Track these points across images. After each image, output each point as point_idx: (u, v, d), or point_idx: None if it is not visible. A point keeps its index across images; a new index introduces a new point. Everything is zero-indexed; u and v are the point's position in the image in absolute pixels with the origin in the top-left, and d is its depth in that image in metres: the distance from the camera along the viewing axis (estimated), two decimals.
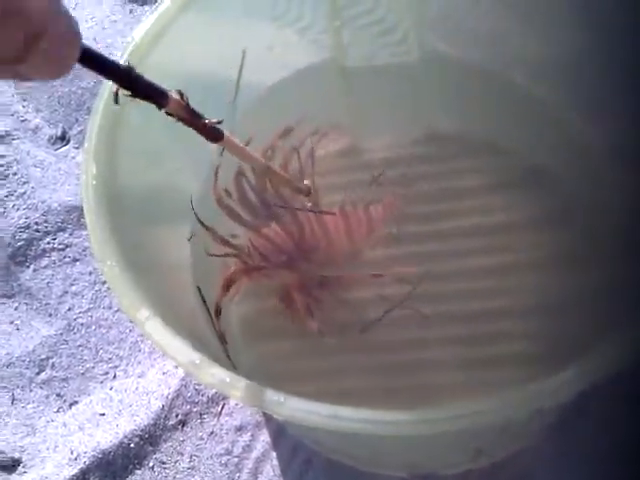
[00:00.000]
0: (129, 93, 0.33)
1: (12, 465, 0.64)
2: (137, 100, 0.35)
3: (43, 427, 0.66)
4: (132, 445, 0.63)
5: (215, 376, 0.40)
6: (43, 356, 0.69)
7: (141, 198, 0.54)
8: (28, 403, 0.67)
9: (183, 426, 0.64)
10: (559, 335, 0.56)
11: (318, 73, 0.68)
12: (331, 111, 0.66)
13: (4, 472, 0.64)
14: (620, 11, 0.56)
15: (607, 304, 0.54)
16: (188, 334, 0.44)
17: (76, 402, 0.67)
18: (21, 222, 0.75)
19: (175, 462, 0.63)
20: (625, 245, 0.56)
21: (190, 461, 0.63)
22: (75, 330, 0.70)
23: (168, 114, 0.38)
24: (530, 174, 0.64)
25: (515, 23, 0.64)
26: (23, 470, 0.64)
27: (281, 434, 0.63)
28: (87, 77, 0.83)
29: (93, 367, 0.69)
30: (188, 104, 0.39)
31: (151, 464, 0.63)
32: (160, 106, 0.36)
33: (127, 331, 0.70)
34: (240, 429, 0.63)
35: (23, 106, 0.84)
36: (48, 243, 0.75)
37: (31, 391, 0.68)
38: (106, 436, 0.63)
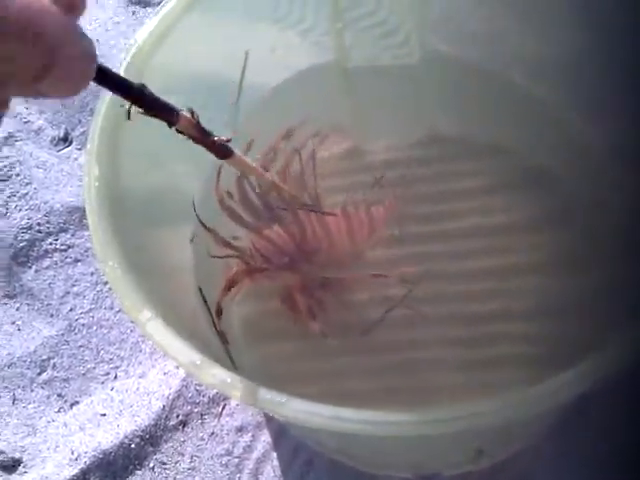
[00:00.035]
0: (141, 110, 0.34)
1: (13, 465, 0.64)
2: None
3: (44, 427, 0.66)
4: (133, 445, 0.63)
5: (216, 377, 0.41)
6: (44, 356, 0.69)
7: (143, 199, 0.54)
8: (29, 403, 0.67)
9: (184, 427, 0.64)
10: (559, 336, 0.56)
11: (320, 75, 0.68)
12: (333, 112, 0.66)
13: (5, 472, 0.64)
14: (620, 11, 0.56)
15: (607, 305, 0.54)
16: (189, 335, 0.44)
17: (77, 402, 0.67)
18: (23, 223, 0.75)
19: (176, 462, 0.63)
20: (625, 245, 0.56)
21: (191, 462, 0.63)
22: (76, 331, 0.70)
23: (178, 131, 0.38)
24: (530, 174, 0.65)
25: (515, 24, 0.64)
26: (24, 470, 0.64)
27: (282, 435, 0.63)
28: None
29: (94, 367, 0.69)
30: (198, 122, 0.39)
31: (152, 464, 0.63)
32: (171, 124, 0.37)
33: (128, 332, 0.70)
34: (241, 430, 0.64)
35: (26, 107, 0.84)
36: (50, 244, 0.75)
37: (32, 391, 0.68)
38: (107, 436, 0.63)
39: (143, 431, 0.64)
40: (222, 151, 0.42)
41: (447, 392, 0.56)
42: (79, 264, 0.74)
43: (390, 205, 0.63)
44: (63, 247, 0.75)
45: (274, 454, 0.62)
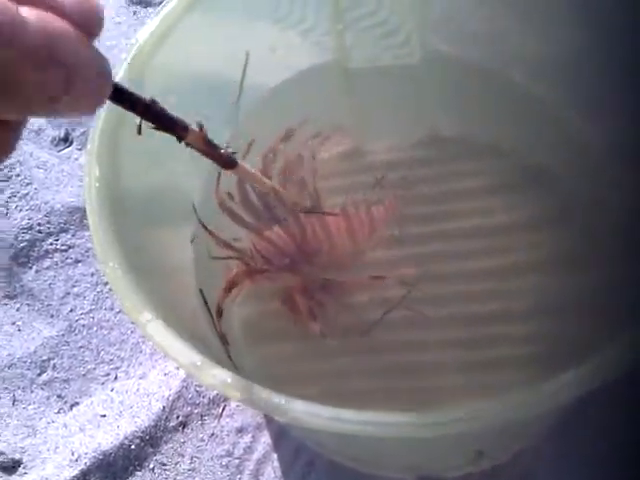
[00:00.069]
0: (152, 125, 0.34)
1: (12, 466, 0.64)
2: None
3: (44, 428, 0.66)
4: (133, 446, 0.63)
5: (216, 378, 0.40)
6: (44, 357, 0.69)
7: (144, 200, 0.54)
8: (29, 404, 0.67)
9: (184, 427, 0.64)
10: (559, 336, 0.56)
11: (321, 75, 0.68)
12: (334, 113, 0.66)
13: (5, 473, 0.64)
14: (619, 10, 0.56)
15: (606, 304, 0.54)
16: (190, 336, 0.44)
17: (77, 403, 0.67)
18: (24, 223, 0.75)
19: (176, 463, 0.63)
20: (624, 244, 0.56)
21: (191, 462, 0.63)
22: (76, 331, 0.70)
23: (187, 144, 0.38)
24: (529, 174, 0.65)
25: (515, 23, 0.64)
26: (24, 471, 0.64)
27: (282, 436, 0.63)
28: None
29: (94, 368, 0.69)
30: (207, 136, 0.39)
31: (152, 465, 0.63)
32: (180, 138, 0.37)
33: (128, 332, 0.70)
34: (241, 431, 0.63)
35: None
36: (50, 244, 0.75)
37: (32, 392, 0.68)
38: (107, 437, 0.63)
39: (143, 432, 0.64)
40: (228, 162, 0.42)
41: (447, 393, 0.56)
42: (79, 265, 0.74)
43: (390, 205, 0.63)
44: (63, 247, 0.75)
45: (274, 455, 0.62)
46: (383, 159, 0.68)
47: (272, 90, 0.67)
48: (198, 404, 0.65)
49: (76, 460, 0.62)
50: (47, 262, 0.74)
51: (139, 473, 0.62)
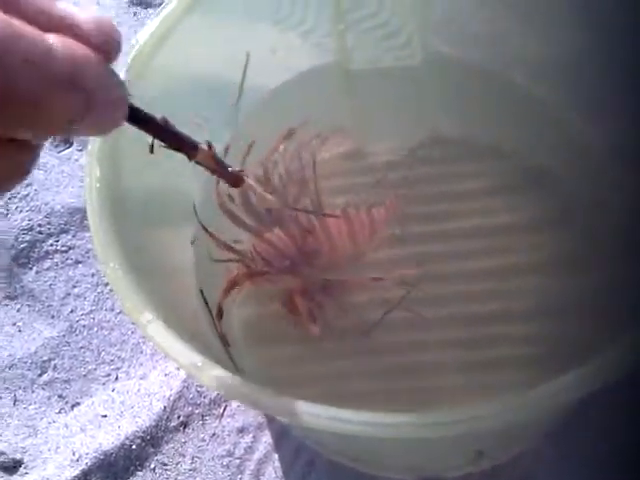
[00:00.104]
0: (164, 144, 0.35)
1: (13, 466, 0.64)
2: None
3: (45, 428, 0.66)
4: (134, 446, 0.63)
5: (217, 378, 0.41)
6: (45, 357, 0.69)
7: (144, 200, 0.54)
8: (30, 404, 0.67)
9: (185, 428, 0.64)
10: (559, 336, 0.56)
11: (321, 76, 0.68)
12: (335, 114, 0.66)
13: (5, 473, 0.64)
14: (620, 11, 0.56)
15: (607, 305, 0.54)
16: (190, 337, 0.44)
17: (78, 403, 0.67)
18: (24, 224, 0.75)
19: (177, 464, 0.63)
20: (625, 245, 0.56)
21: (192, 463, 0.63)
22: (77, 332, 0.70)
23: (197, 163, 0.39)
24: (530, 175, 0.65)
25: (516, 24, 0.64)
26: (24, 471, 0.64)
27: (283, 436, 0.63)
28: None
29: (95, 369, 0.69)
30: (216, 154, 0.40)
31: (152, 465, 0.63)
32: (190, 157, 0.38)
33: (129, 333, 0.70)
34: (242, 431, 0.64)
35: None
36: (51, 245, 0.75)
37: (33, 392, 0.68)
38: (108, 437, 0.63)
39: (144, 432, 0.64)
40: (236, 180, 0.43)
41: (448, 393, 0.56)
42: (80, 265, 0.74)
43: (391, 206, 0.63)
44: (64, 248, 0.75)
45: (275, 455, 0.62)
46: (384, 160, 0.68)
47: (272, 91, 0.67)
48: (199, 404, 0.65)
49: (77, 460, 0.62)
50: (47, 263, 0.74)
51: (140, 473, 0.62)
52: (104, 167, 0.50)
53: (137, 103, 0.33)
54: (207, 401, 0.65)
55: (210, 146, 0.40)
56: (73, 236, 0.75)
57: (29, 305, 0.72)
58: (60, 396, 0.67)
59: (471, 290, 0.60)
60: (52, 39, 0.25)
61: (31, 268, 0.74)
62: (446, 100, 0.67)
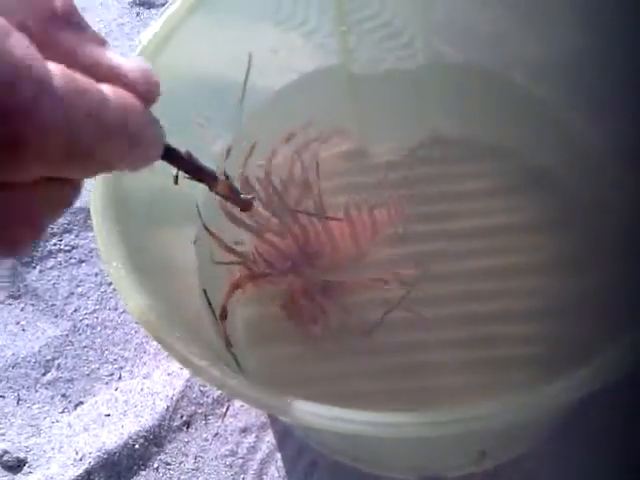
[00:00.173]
0: (187, 176, 0.37)
1: (17, 465, 0.64)
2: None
3: (48, 427, 0.66)
4: (137, 446, 0.63)
5: (220, 378, 0.41)
6: (49, 357, 0.69)
7: (147, 200, 0.54)
8: (33, 403, 0.67)
9: (188, 427, 0.64)
10: (560, 338, 0.57)
11: (324, 77, 0.68)
12: (337, 114, 0.66)
13: (9, 472, 0.64)
14: (620, 11, 0.56)
15: (607, 305, 0.54)
16: (193, 336, 0.44)
17: (81, 403, 0.67)
18: None
19: (180, 463, 0.63)
20: (625, 245, 0.56)
21: (195, 462, 0.63)
22: (81, 331, 0.71)
23: (215, 192, 0.42)
24: (531, 175, 0.65)
25: (516, 25, 0.64)
26: (28, 470, 0.64)
27: (286, 436, 0.63)
28: None
29: (98, 368, 0.69)
30: (233, 184, 0.43)
31: (156, 465, 0.63)
32: (211, 187, 0.40)
33: (132, 332, 0.70)
34: (245, 430, 0.64)
35: None
36: (54, 244, 0.75)
37: (36, 392, 0.68)
38: (111, 437, 0.63)
39: (147, 431, 0.64)
40: (247, 206, 0.46)
41: (448, 393, 0.56)
42: (83, 265, 0.74)
43: (393, 207, 0.62)
44: (67, 248, 0.75)
45: (278, 455, 0.62)
46: (385, 160, 0.68)
47: (275, 93, 0.67)
48: (202, 404, 0.65)
49: (80, 459, 0.62)
50: (51, 262, 0.74)
51: (143, 472, 0.63)
52: None
53: None
54: (210, 401, 0.65)
55: (227, 177, 0.43)
56: (76, 235, 0.76)
57: (33, 304, 0.72)
58: (63, 395, 0.68)
59: (471, 290, 0.60)
60: (106, 90, 0.26)
61: (35, 267, 0.74)
62: (447, 100, 0.67)
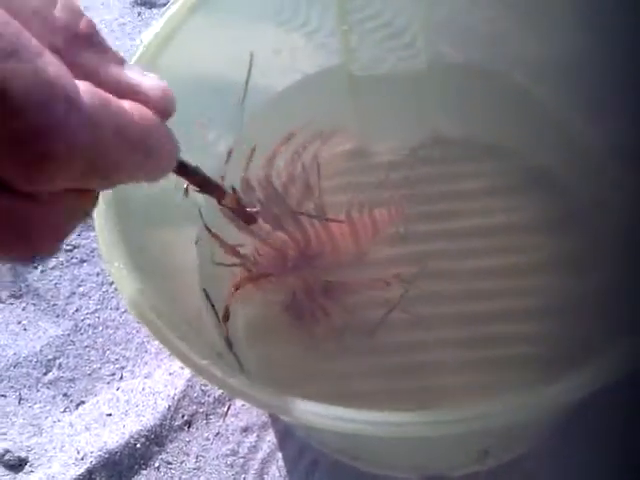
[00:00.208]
0: (197, 189, 0.39)
1: (19, 464, 0.64)
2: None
3: (50, 427, 0.66)
4: (138, 445, 0.63)
5: (221, 377, 0.41)
6: (50, 356, 0.69)
7: (148, 201, 0.54)
8: (35, 403, 0.67)
9: (189, 426, 0.64)
10: (559, 337, 0.57)
11: (325, 77, 0.68)
12: (338, 114, 0.66)
13: (11, 471, 0.64)
14: (619, 12, 0.56)
15: (608, 305, 0.54)
16: (195, 335, 0.44)
17: (83, 402, 0.67)
18: None
19: (181, 462, 0.63)
20: (625, 245, 0.56)
21: (196, 461, 0.63)
22: (82, 331, 0.71)
23: (223, 205, 0.43)
24: (531, 175, 0.65)
25: (516, 25, 0.64)
26: (30, 469, 0.64)
27: (287, 435, 0.63)
28: None
29: (100, 368, 0.69)
30: (240, 198, 0.46)
31: (157, 464, 0.63)
32: (219, 200, 0.42)
33: (134, 332, 0.70)
34: (246, 430, 0.64)
35: None
36: None
37: (38, 391, 0.68)
38: (112, 436, 0.63)
39: (149, 431, 0.64)
40: (250, 219, 0.48)
41: (448, 393, 0.56)
42: (85, 264, 0.74)
43: (394, 207, 0.62)
44: (69, 247, 0.75)
45: (279, 454, 0.62)
46: (386, 160, 0.68)
47: (277, 93, 0.67)
48: (203, 403, 0.65)
49: (82, 459, 0.62)
50: (52, 262, 0.74)
51: (145, 472, 0.63)
52: None
53: None
54: (211, 400, 0.65)
55: (235, 190, 0.45)
56: (78, 235, 0.76)
57: (34, 304, 0.72)
58: (65, 395, 0.68)
59: (471, 290, 0.60)
60: (128, 106, 0.27)
61: (36, 267, 0.74)
62: (447, 100, 0.67)
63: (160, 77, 0.30)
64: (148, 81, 0.29)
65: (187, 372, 0.66)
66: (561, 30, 0.61)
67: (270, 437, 0.63)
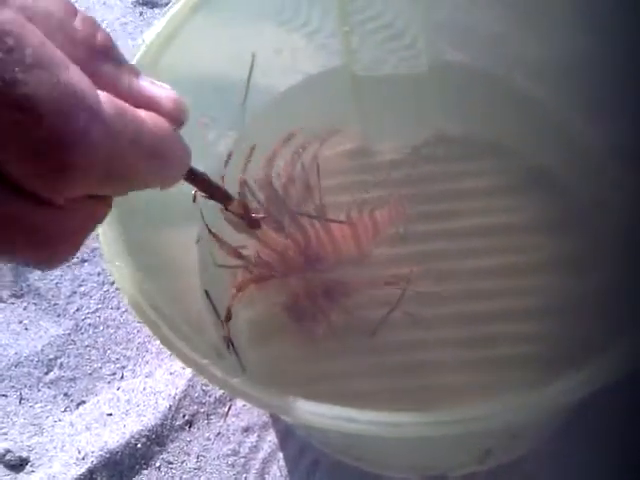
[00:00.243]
0: (205, 195, 0.40)
1: (20, 464, 0.64)
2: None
3: (51, 427, 0.66)
4: (139, 445, 0.63)
5: (222, 377, 0.41)
6: (51, 356, 0.69)
7: (149, 199, 0.54)
8: (36, 403, 0.67)
9: (190, 426, 0.64)
10: (559, 337, 0.56)
11: (326, 77, 0.68)
12: (340, 114, 0.66)
13: (12, 471, 0.64)
14: (619, 12, 0.56)
15: (608, 305, 0.54)
16: (196, 335, 0.44)
17: (83, 402, 0.67)
18: None
19: (182, 462, 0.63)
20: (625, 245, 0.56)
21: (197, 461, 0.63)
22: (83, 330, 0.71)
23: (228, 210, 0.45)
24: (531, 175, 0.65)
25: (517, 26, 0.64)
26: (31, 469, 0.64)
27: (288, 435, 0.63)
28: None
29: (101, 367, 0.69)
30: (247, 205, 0.47)
31: (158, 464, 0.63)
32: (226, 206, 0.43)
33: (135, 331, 0.70)
34: (247, 430, 0.64)
35: None
36: None
37: (39, 391, 0.68)
38: (113, 436, 0.64)
39: (150, 431, 0.64)
40: (256, 224, 0.49)
41: (449, 393, 0.56)
42: (86, 264, 0.74)
43: (394, 208, 0.62)
44: None
45: (280, 454, 0.63)
46: (388, 158, 0.68)
47: (279, 94, 0.67)
48: (204, 403, 0.65)
49: (83, 458, 0.62)
50: None
51: (145, 472, 0.63)
52: None
53: None
54: (212, 400, 0.65)
55: (240, 196, 0.47)
56: None
57: (35, 303, 0.72)
58: (66, 394, 0.68)
59: (472, 289, 0.60)
60: (144, 116, 0.28)
61: None
62: (448, 100, 0.67)
63: (172, 87, 0.30)
64: (162, 91, 0.30)
65: (188, 372, 0.66)
66: (561, 30, 0.61)
67: (271, 437, 0.63)
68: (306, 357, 0.59)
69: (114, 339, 0.70)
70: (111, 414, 0.66)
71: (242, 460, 0.63)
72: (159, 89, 0.30)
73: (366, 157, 0.69)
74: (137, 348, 0.69)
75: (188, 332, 0.43)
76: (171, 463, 0.63)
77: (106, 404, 0.66)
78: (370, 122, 0.70)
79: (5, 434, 0.66)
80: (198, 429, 0.64)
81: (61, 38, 0.26)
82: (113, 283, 0.73)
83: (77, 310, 0.72)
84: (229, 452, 0.63)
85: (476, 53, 0.67)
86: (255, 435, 0.63)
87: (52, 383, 0.68)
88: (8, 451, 0.64)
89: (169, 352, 0.42)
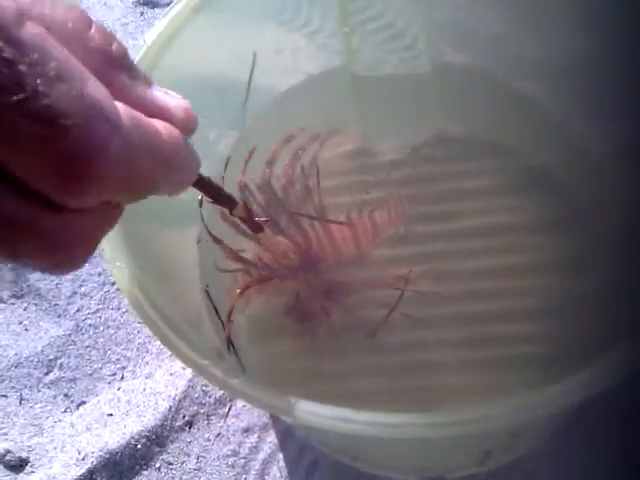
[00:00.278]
0: (210, 200, 0.40)
1: (20, 465, 0.64)
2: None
3: (51, 427, 0.66)
4: (139, 446, 0.63)
5: (222, 377, 0.41)
6: (51, 356, 0.69)
7: (150, 200, 0.54)
8: (36, 403, 0.67)
9: (190, 427, 0.64)
10: (559, 337, 0.57)
11: (327, 77, 0.68)
12: (340, 115, 0.66)
13: (12, 471, 0.64)
14: (619, 12, 0.56)
15: (608, 305, 0.54)
16: (196, 335, 0.44)
17: (84, 402, 0.67)
18: None
19: (182, 463, 0.63)
20: (625, 245, 0.56)
21: (197, 462, 0.63)
22: (83, 331, 0.71)
23: (232, 214, 0.45)
24: (532, 176, 0.65)
25: (517, 26, 0.64)
26: (31, 470, 0.64)
27: (288, 436, 0.63)
28: None
29: (101, 368, 0.69)
30: (251, 209, 0.48)
31: (158, 465, 0.63)
32: (231, 210, 0.43)
33: (135, 332, 0.70)
34: (247, 430, 0.64)
35: None
36: None
37: (39, 391, 0.68)
38: (113, 436, 0.64)
39: (150, 431, 0.64)
40: (258, 228, 0.50)
41: (449, 393, 0.56)
42: (86, 264, 0.74)
43: (394, 209, 0.62)
44: None
45: (280, 455, 0.63)
46: (388, 159, 0.68)
47: (280, 94, 0.67)
48: (204, 404, 0.65)
49: (83, 459, 0.62)
50: None
51: (145, 472, 0.63)
52: None
53: None
54: (212, 400, 0.65)
55: (244, 201, 0.47)
56: None
57: (35, 304, 0.72)
58: (66, 395, 0.68)
59: (472, 289, 0.60)
60: (159, 125, 0.29)
61: None
62: (449, 100, 0.67)
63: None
64: (173, 101, 0.30)
65: (188, 372, 0.66)
66: (561, 30, 0.61)
67: (271, 438, 0.63)
68: (306, 357, 0.59)
69: (114, 340, 0.70)
70: (111, 415, 0.66)
71: (242, 461, 0.63)
72: (171, 99, 0.30)
73: (366, 157, 0.69)
74: (137, 349, 0.70)
75: (188, 332, 0.43)
76: (171, 464, 0.63)
77: (106, 405, 0.66)
78: (370, 122, 0.70)
79: (5, 434, 0.66)
80: (198, 430, 0.64)
81: (78, 49, 0.26)
82: (114, 283, 0.73)
83: (77, 311, 0.72)
84: (229, 453, 0.63)
85: (476, 53, 0.67)
86: (255, 436, 0.63)
87: (52, 384, 0.68)
88: (8, 451, 0.64)
89: (169, 352, 0.42)
